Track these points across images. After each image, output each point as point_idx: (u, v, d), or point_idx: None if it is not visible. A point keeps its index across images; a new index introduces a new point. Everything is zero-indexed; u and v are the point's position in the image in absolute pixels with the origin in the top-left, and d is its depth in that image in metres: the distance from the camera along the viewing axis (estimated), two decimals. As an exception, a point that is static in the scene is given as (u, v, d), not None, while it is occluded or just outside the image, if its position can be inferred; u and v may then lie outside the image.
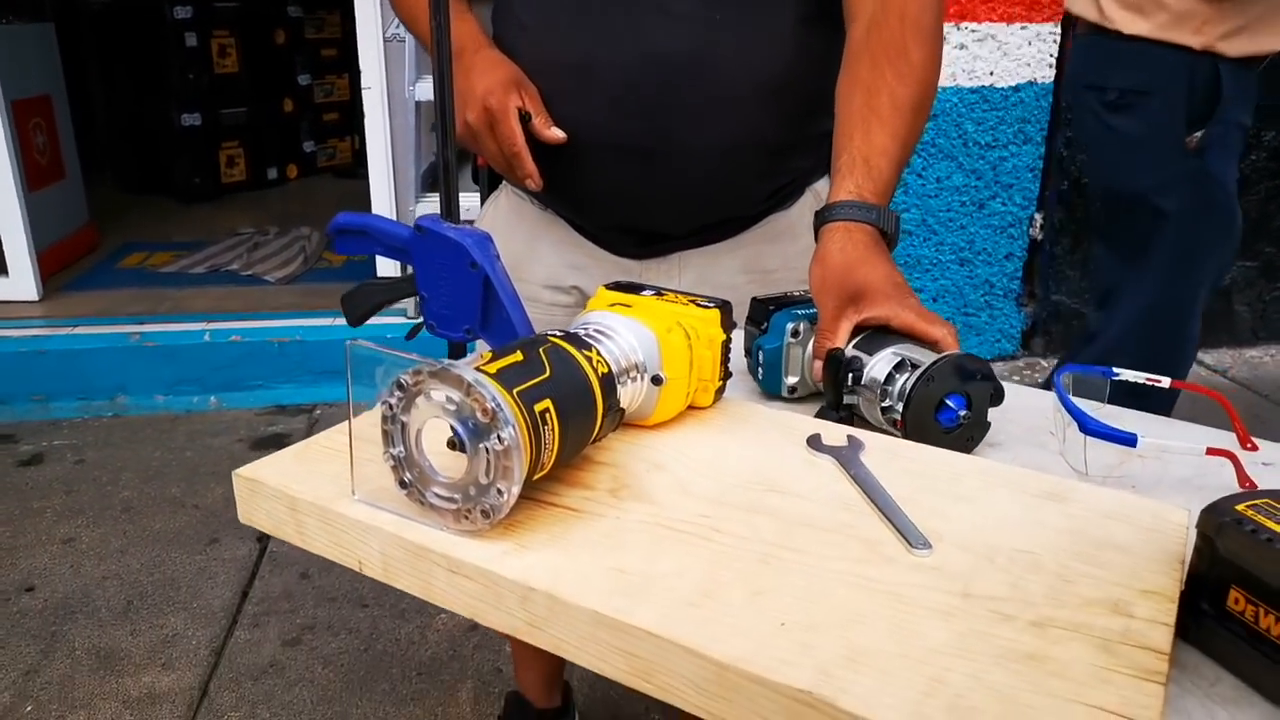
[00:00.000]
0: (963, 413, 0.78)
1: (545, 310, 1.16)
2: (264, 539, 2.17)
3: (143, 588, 2.01)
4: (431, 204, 2.97)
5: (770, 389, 0.91)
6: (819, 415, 0.84)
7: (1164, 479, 0.77)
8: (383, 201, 3.06)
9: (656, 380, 0.73)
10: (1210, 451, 0.75)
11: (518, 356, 0.63)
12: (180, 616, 1.91)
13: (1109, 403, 0.88)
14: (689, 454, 0.72)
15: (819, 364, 0.84)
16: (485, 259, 0.86)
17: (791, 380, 0.90)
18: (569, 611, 0.55)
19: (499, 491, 0.58)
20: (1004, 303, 3.16)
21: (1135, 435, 0.74)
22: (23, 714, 1.67)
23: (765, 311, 0.93)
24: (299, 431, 2.68)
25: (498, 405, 0.57)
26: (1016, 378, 3.09)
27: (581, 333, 0.71)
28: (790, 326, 0.88)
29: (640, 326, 0.73)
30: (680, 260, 1.15)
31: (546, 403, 0.61)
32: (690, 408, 0.78)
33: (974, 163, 3.00)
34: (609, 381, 0.68)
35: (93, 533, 2.21)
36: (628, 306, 0.76)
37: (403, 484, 0.62)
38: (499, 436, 0.57)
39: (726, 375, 0.80)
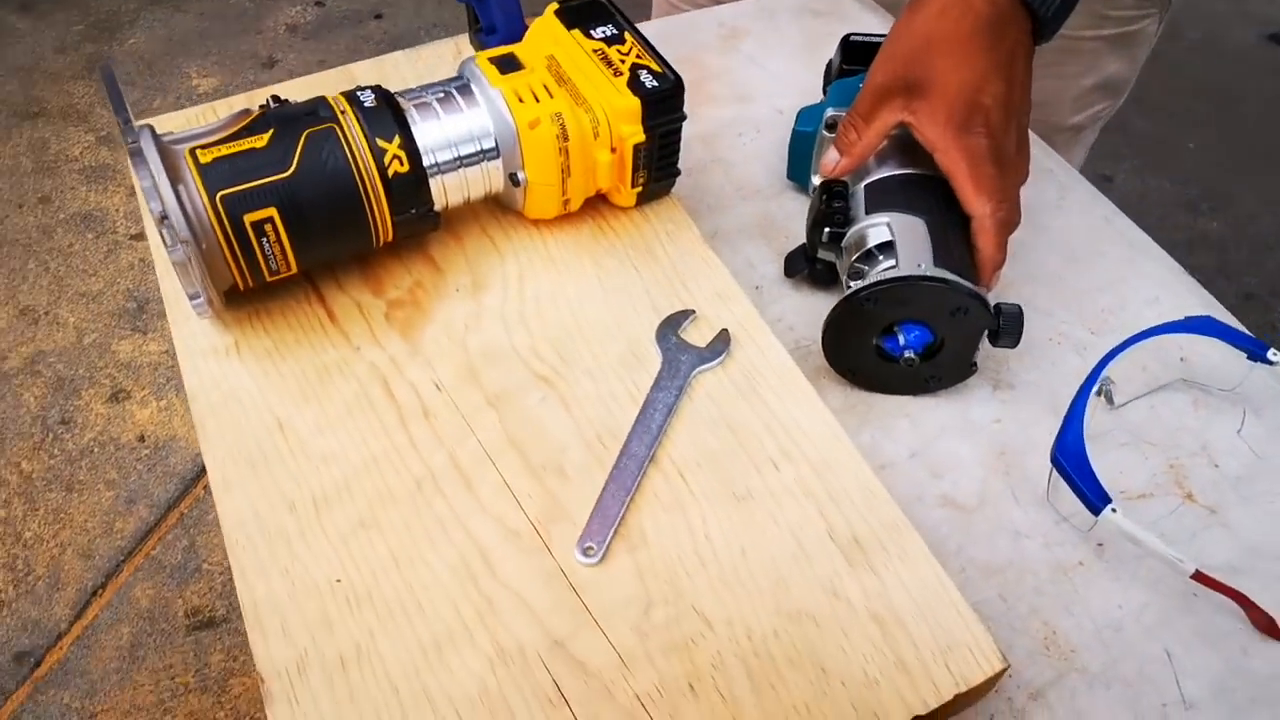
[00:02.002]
0: (908, 353, 0.54)
1: None
2: None
3: None
4: None
5: (795, 178, 0.69)
6: (788, 259, 0.63)
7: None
8: None
9: (514, 180, 0.58)
10: (1202, 579, 0.47)
11: (259, 141, 0.52)
12: None
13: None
14: (523, 281, 0.59)
15: (828, 158, 0.60)
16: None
17: (819, 180, 0.66)
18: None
19: (193, 294, 0.53)
20: None
21: (1106, 500, 0.48)
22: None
23: (836, 68, 0.66)
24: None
25: (167, 219, 0.49)
26: None
27: (407, 102, 0.56)
28: (829, 116, 0.63)
29: (501, 108, 0.56)
30: None
31: (269, 211, 0.51)
32: (607, 201, 0.62)
33: None
34: (406, 184, 0.54)
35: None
36: (514, 68, 0.57)
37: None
38: (170, 249, 0.50)
39: (655, 179, 0.61)
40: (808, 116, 0.65)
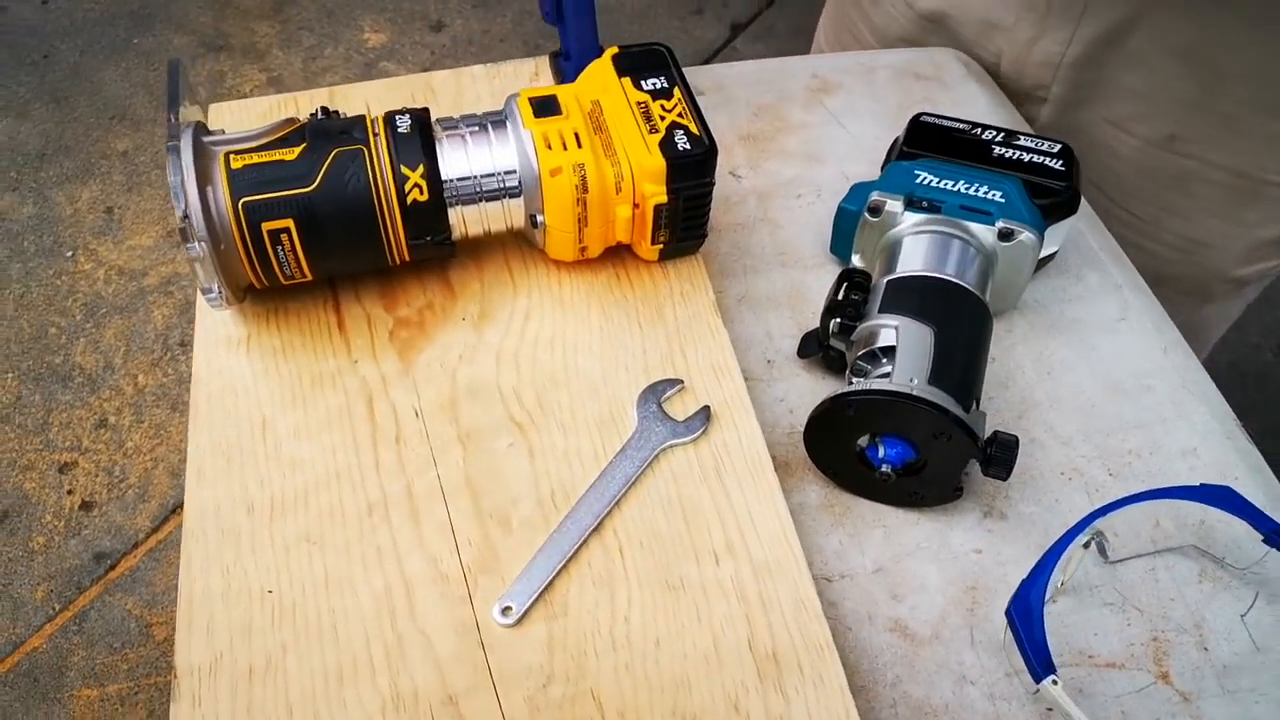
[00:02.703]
0: (885, 467, 0.52)
1: None
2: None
3: None
4: None
5: (837, 253, 0.66)
6: (803, 339, 0.61)
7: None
8: None
9: (533, 221, 0.58)
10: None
11: (290, 154, 0.54)
12: None
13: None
14: (528, 320, 0.59)
15: None
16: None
17: (859, 262, 0.64)
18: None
19: (207, 288, 0.56)
20: None
21: (1049, 670, 0.45)
22: None
23: (898, 147, 0.64)
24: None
25: (188, 219, 0.52)
26: None
27: (443, 130, 0.57)
28: (873, 199, 0.60)
29: (528, 150, 0.56)
30: None
31: (287, 222, 0.54)
32: (630, 251, 0.62)
33: None
34: (423, 213, 0.55)
35: None
36: (551, 112, 0.57)
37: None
38: (188, 246, 0.53)
39: (679, 239, 0.60)
40: (856, 194, 0.63)
